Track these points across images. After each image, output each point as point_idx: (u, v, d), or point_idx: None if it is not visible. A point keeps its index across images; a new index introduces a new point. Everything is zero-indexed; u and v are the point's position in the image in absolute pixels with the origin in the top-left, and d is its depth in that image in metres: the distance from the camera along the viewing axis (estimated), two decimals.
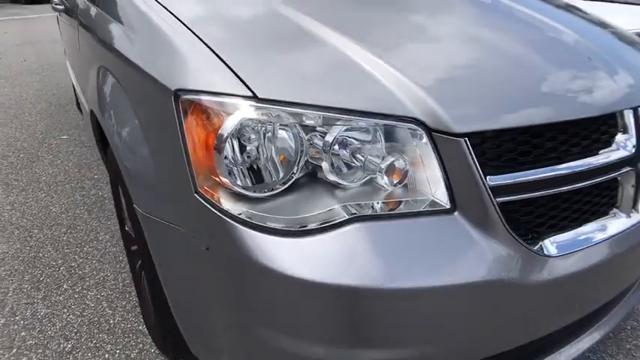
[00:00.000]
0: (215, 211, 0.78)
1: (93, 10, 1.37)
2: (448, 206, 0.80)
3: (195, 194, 0.80)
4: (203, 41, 0.90)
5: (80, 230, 2.17)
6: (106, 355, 1.45)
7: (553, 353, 1.03)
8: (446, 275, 0.75)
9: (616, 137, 0.98)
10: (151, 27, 0.99)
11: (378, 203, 0.80)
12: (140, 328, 1.55)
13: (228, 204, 0.78)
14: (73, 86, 3.44)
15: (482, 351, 0.87)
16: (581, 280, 0.90)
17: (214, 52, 0.86)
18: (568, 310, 0.94)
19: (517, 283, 0.79)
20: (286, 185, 0.80)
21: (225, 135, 0.76)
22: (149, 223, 0.95)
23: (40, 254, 1.98)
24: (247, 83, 0.79)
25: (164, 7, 1.06)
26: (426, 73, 0.87)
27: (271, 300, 0.76)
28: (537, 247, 0.85)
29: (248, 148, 0.78)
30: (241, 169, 0.78)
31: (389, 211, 0.79)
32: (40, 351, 1.46)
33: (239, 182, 0.78)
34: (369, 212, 0.78)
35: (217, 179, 0.78)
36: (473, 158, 0.79)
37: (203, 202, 0.79)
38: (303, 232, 0.75)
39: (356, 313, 0.74)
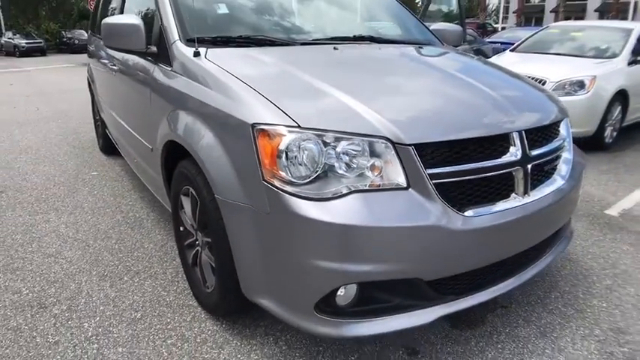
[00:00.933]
0: (276, 189, 1.37)
1: (170, 75, 1.97)
2: (405, 185, 1.40)
3: (263, 181, 1.39)
4: (260, 93, 1.53)
5: (127, 241, 2.69)
6: (168, 320, 1.95)
7: (498, 284, 1.62)
8: (403, 221, 1.35)
9: (510, 148, 1.61)
10: (226, 85, 1.62)
11: (365, 185, 1.40)
12: (190, 303, 2.07)
13: (282, 186, 1.37)
14: (107, 133, 4.00)
15: (435, 273, 1.45)
16: (489, 233, 1.49)
17: (269, 100, 1.49)
18: (486, 253, 1.53)
19: (447, 228, 1.39)
20: (314, 176, 1.40)
21: (283, 148, 1.37)
22: (227, 205, 1.52)
23: (100, 258, 2.49)
24: (292, 117, 1.41)
25: (227, 71, 1.70)
26: (390, 111, 1.50)
27: (307, 236, 1.34)
28: (461, 210, 1.45)
29: (294, 155, 1.38)
30: (291, 167, 1.38)
31: (371, 189, 1.39)
32: (117, 318, 1.96)
33: (290, 174, 1.38)
34: (361, 190, 1.38)
35: (277, 173, 1.38)
36: (417, 158, 1.40)
37: (268, 185, 1.38)
38: (324, 199, 1.35)
39: (353, 240, 1.32)
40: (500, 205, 1.56)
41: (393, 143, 1.40)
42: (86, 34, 29.82)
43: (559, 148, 1.85)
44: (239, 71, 1.70)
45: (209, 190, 1.62)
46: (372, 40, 2.34)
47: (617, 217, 3.16)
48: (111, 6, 3.61)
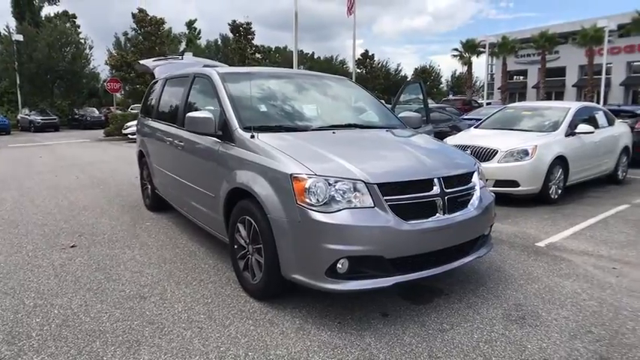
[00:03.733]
0: (304, 208, 2.55)
1: (234, 149, 3.20)
2: (372, 205, 2.59)
3: (296, 204, 2.58)
4: (291, 157, 2.76)
5: (189, 264, 3.79)
6: (229, 302, 3.01)
7: (435, 266, 2.75)
8: (371, 223, 2.53)
9: (433, 187, 2.82)
10: (271, 154, 2.87)
11: (352, 206, 2.58)
12: (242, 294, 3.13)
13: (307, 207, 2.55)
14: (156, 194, 5.18)
15: (394, 253, 2.59)
16: (425, 233, 2.66)
17: (297, 160, 2.72)
18: (425, 243, 2.69)
19: (395, 228, 2.56)
20: (324, 202, 2.58)
21: (307, 186, 2.57)
22: (274, 220, 2.68)
23: (172, 273, 3.58)
24: (311, 169, 2.63)
25: (271, 145, 2.95)
26: (364, 166, 2.72)
27: (321, 231, 2.49)
28: (405, 220, 2.63)
29: (313, 190, 2.58)
30: (311, 196, 2.57)
31: (354, 207, 2.58)
32: (196, 302, 3.02)
33: (311, 200, 2.56)
34: (349, 208, 2.57)
35: (304, 199, 2.57)
36: (378, 191, 2.60)
37: (299, 206, 2.57)
38: (330, 212, 2.53)
39: (345, 232, 2.49)
40: (429, 219, 2.74)
41: (365, 183, 2.61)
42: (97, 112, 31.61)
43: (469, 189, 3.07)
44: (277, 145, 2.96)
45: (262, 213, 2.79)
46: (356, 126, 3.67)
47: (543, 247, 4.29)
48: (164, 97, 5.02)
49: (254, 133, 3.11)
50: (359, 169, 2.69)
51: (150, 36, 23.34)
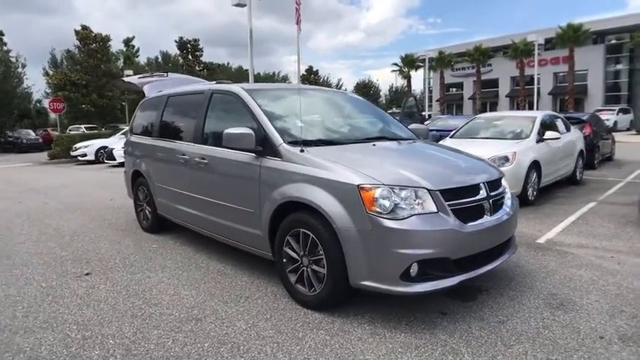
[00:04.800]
0: (374, 216, 2.68)
1: (281, 164, 3.22)
2: (436, 211, 2.77)
3: (366, 213, 2.70)
4: (351, 168, 2.89)
5: (223, 283, 3.74)
6: (289, 315, 3.05)
7: (488, 263, 2.97)
8: (437, 226, 2.71)
9: (481, 190, 3.07)
10: (328, 166, 2.97)
11: (417, 212, 2.75)
12: (297, 307, 3.17)
13: (377, 215, 2.68)
14: (157, 215, 5.01)
15: (457, 253, 2.79)
16: (480, 234, 2.88)
17: (360, 172, 2.84)
18: (481, 243, 2.91)
19: (458, 230, 2.76)
20: (391, 209, 2.72)
21: (377, 196, 2.71)
22: (342, 231, 2.77)
23: (213, 293, 3.52)
24: (377, 179, 2.77)
25: (325, 158, 3.05)
26: (423, 174, 2.91)
27: (393, 238, 2.63)
28: (464, 222, 2.84)
29: (382, 199, 2.72)
30: (380, 205, 2.71)
31: (419, 213, 2.75)
32: (258, 317, 3.02)
33: (381, 209, 2.70)
34: (414, 214, 2.73)
35: (374, 208, 2.70)
36: (441, 196, 2.80)
37: (370, 214, 2.69)
38: (399, 219, 2.67)
39: (415, 237, 2.66)
40: (481, 220, 2.98)
41: (428, 190, 2.80)
42: (33, 133, 29.66)
43: (503, 192, 3.35)
44: (329, 158, 3.07)
45: (326, 224, 2.88)
46: (385, 138, 3.86)
47: (544, 244, 4.70)
48: (169, 115, 4.95)
49: (303, 147, 3.20)
50: (418, 177, 2.87)
51: (95, 53, 22.31)
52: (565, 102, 34.82)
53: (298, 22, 21.03)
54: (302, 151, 3.19)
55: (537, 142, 7.02)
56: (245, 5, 18.81)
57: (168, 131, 4.95)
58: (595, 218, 5.74)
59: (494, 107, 42.69)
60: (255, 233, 3.53)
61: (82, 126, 25.58)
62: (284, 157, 3.28)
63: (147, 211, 5.52)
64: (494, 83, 43.60)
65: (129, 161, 5.95)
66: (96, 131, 22.27)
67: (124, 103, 27.11)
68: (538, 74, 31.28)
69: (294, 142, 3.30)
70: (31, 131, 29.49)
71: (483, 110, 41.09)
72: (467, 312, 3.05)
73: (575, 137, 8.42)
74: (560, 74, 38.34)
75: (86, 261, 4.46)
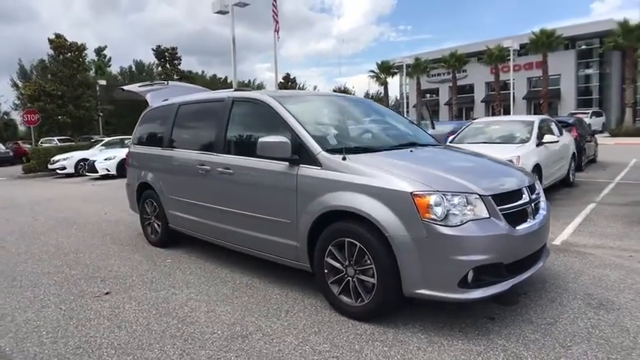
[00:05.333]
0: (429, 223, 2.65)
1: (321, 172, 3.14)
2: (488, 216, 2.78)
3: (421, 220, 2.68)
4: (399, 175, 2.86)
5: (257, 296, 3.63)
6: (337, 328, 2.98)
7: (527, 270, 2.98)
8: (491, 231, 2.71)
9: (523, 195, 3.10)
10: (375, 173, 2.93)
11: (470, 218, 2.74)
12: (341, 318, 3.10)
13: (432, 222, 2.66)
14: (169, 229, 4.82)
15: (509, 258, 2.80)
16: (527, 237, 2.90)
17: (411, 178, 2.83)
18: (528, 247, 2.93)
19: (510, 235, 2.78)
20: (444, 215, 2.71)
21: (431, 203, 2.69)
22: (395, 239, 2.73)
23: (248, 307, 3.41)
24: (430, 186, 2.76)
25: (370, 165, 3.02)
26: (472, 179, 2.92)
27: (450, 245, 2.62)
28: (514, 226, 2.85)
29: (437, 206, 2.70)
30: (435, 211, 2.68)
31: (470, 218, 2.74)
32: (309, 330, 2.94)
33: (434, 215, 2.68)
34: (468, 219, 2.72)
35: (429, 215, 2.67)
36: (491, 200, 2.80)
37: (425, 222, 2.67)
38: (454, 226, 2.67)
39: (472, 244, 2.66)
40: (526, 224, 3.00)
41: (480, 196, 2.80)
42: (3, 147, 28.53)
43: (539, 196, 3.39)
44: (375, 165, 3.04)
45: (374, 232, 2.84)
46: (416, 144, 3.86)
47: (560, 245, 4.79)
48: (182, 124, 4.82)
49: (345, 155, 3.15)
50: (468, 182, 2.87)
51: (71, 63, 21.63)
52: (539, 106, 36.01)
53: (277, 31, 21.06)
54: (344, 159, 3.14)
55: (537, 145, 7.19)
56: (227, 12, 18.73)
57: (183, 141, 4.81)
58: (600, 219, 5.90)
59: (469, 112, 43.73)
60: (291, 244, 3.46)
61: (55, 138, 24.77)
62: (324, 165, 3.23)
63: (155, 225, 5.35)
64: (470, 89, 44.68)
65: (133, 173, 5.75)
66: (71, 143, 21.55)
67: (101, 114, 26.36)
68: (512, 79, 32.27)
69: (333, 150, 3.26)
70: (0, 144, 28.34)
71: (459, 116, 42.05)
72: (514, 316, 3.06)
73: (568, 140, 8.67)
74: (534, 79, 39.67)
75: (101, 279, 4.26)
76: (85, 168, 15.37)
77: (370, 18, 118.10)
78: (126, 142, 17.52)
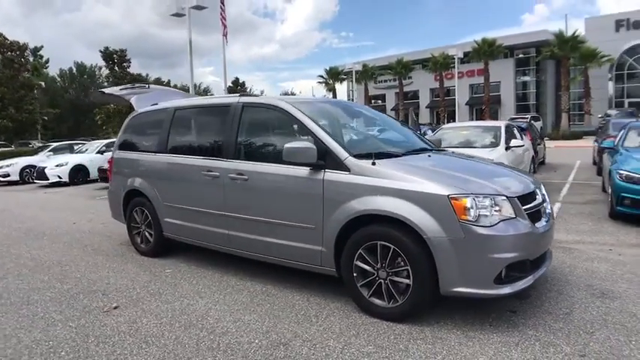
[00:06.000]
0: (466, 224, 2.82)
1: (349, 177, 3.21)
2: (514, 216, 2.99)
3: (459, 222, 2.83)
4: (430, 179, 3.01)
5: (280, 302, 3.62)
6: (371, 329, 3.05)
7: (542, 266, 3.23)
8: (520, 230, 2.94)
9: (537, 197, 3.35)
10: (408, 178, 3.05)
11: (499, 218, 2.94)
12: (374, 320, 3.18)
13: (468, 223, 2.82)
14: (164, 237, 4.65)
15: (533, 254, 3.04)
16: (544, 235, 3.16)
17: (443, 182, 2.98)
18: (545, 243, 3.20)
19: (536, 233, 3.02)
20: (477, 216, 2.88)
21: (467, 205, 2.85)
22: (433, 240, 2.86)
23: (276, 315, 3.40)
24: (464, 189, 2.92)
25: (400, 171, 3.14)
26: (497, 182, 3.13)
27: (486, 244, 2.81)
28: (534, 224, 3.09)
29: (471, 207, 2.86)
30: (470, 213, 2.85)
31: (500, 219, 2.94)
32: (350, 332, 2.99)
33: (470, 216, 2.84)
34: (499, 220, 2.92)
35: (465, 217, 2.83)
36: (517, 201, 3.02)
37: (462, 223, 2.82)
38: (489, 226, 2.85)
39: (505, 242, 2.88)
40: (542, 222, 3.26)
41: (507, 197, 3.01)
42: None
43: (545, 197, 3.68)
44: (403, 170, 3.17)
45: (410, 235, 2.96)
46: (427, 150, 4.04)
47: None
48: (181, 130, 4.70)
49: (375, 160, 3.25)
50: (495, 185, 3.08)
51: (12, 63, 19.99)
52: (482, 112, 38.15)
53: (225, 35, 20.87)
54: (374, 164, 3.24)
55: (506, 149, 7.68)
56: (184, 15, 18.27)
57: (182, 146, 4.68)
58: (570, 217, 6.43)
59: (416, 117, 45.43)
60: (315, 249, 3.49)
61: None
62: (352, 170, 3.30)
63: (147, 234, 5.14)
64: (415, 95, 46.47)
65: (119, 180, 5.48)
66: (10, 148, 19.91)
67: (45, 118, 24.46)
68: (456, 86, 33.99)
69: (360, 155, 3.35)
70: None
71: (406, 121, 43.61)
72: (532, 308, 3.30)
73: (527, 144, 9.33)
74: (476, 85, 42.00)
75: (102, 293, 4.05)
76: (32, 175, 14.29)
77: (313, 24, 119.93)
78: (75, 147, 16.52)
